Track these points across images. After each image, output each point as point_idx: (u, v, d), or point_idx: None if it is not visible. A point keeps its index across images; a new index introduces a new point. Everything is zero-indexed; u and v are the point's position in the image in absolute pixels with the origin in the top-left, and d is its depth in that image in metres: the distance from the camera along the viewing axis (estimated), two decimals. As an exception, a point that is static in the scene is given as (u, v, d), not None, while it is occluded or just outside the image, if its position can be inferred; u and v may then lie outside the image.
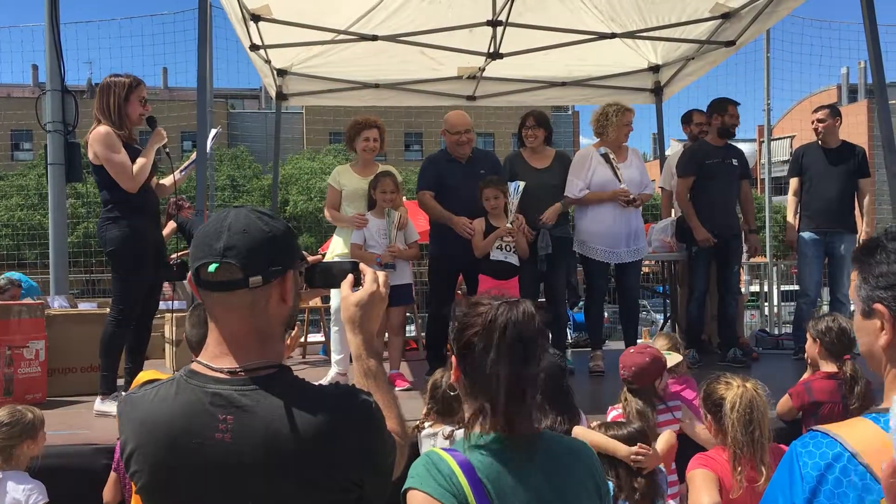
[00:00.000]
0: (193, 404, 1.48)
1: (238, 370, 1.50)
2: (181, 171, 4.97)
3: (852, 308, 7.28)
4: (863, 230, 6.51)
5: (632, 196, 5.80)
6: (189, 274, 1.58)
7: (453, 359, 1.73)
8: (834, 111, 6.65)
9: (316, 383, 1.60)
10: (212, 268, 1.48)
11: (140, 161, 4.58)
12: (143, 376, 3.34)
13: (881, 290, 1.32)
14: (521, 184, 5.38)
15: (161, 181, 5.02)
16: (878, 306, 1.33)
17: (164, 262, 4.96)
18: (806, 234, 6.53)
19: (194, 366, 1.56)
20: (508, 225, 5.37)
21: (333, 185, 5.78)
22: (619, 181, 5.81)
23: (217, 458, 1.44)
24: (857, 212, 6.64)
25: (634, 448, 3.24)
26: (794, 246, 6.80)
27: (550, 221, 5.75)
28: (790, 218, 6.79)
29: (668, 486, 3.49)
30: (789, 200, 6.84)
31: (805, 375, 4.10)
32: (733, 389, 2.95)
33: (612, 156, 5.84)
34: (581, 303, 6.68)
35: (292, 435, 1.42)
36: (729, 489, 2.87)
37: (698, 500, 2.85)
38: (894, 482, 0.76)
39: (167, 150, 4.81)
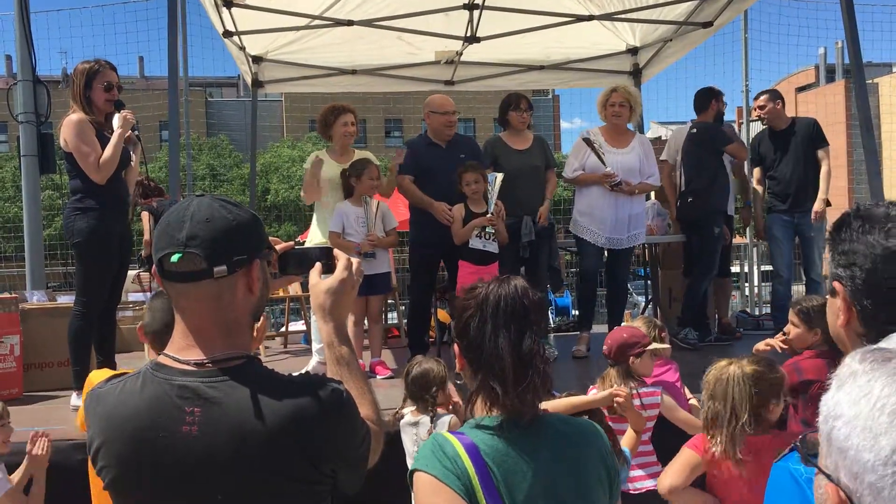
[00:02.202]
0: (160, 397, 1.45)
1: (205, 362, 1.47)
2: None
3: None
4: (819, 197, 6.52)
5: (618, 180, 5.80)
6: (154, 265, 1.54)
7: (456, 347, 1.74)
8: (774, 94, 6.70)
9: (296, 373, 1.57)
10: (174, 258, 1.45)
11: (107, 152, 4.49)
12: (94, 376, 3.26)
13: (841, 269, 1.29)
14: (499, 175, 5.35)
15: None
16: (836, 284, 1.29)
17: (128, 254, 4.89)
18: (774, 216, 6.60)
19: (161, 358, 1.52)
20: (489, 215, 5.32)
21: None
22: (604, 165, 5.82)
23: (185, 452, 1.41)
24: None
25: (610, 390, 3.32)
26: (763, 236, 6.95)
27: (546, 222, 5.86)
28: (757, 209, 6.85)
29: (648, 467, 3.51)
30: (757, 189, 6.90)
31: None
32: (720, 367, 2.93)
33: (592, 139, 5.88)
34: (564, 286, 6.70)
35: (260, 426, 1.40)
36: (720, 471, 2.88)
37: (664, 477, 2.95)
38: None
39: (137, 132, 4.72)
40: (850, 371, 0.74)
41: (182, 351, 1.49)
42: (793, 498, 1.23)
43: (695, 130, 6.52)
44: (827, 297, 1.38)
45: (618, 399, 3.30)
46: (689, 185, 6.54)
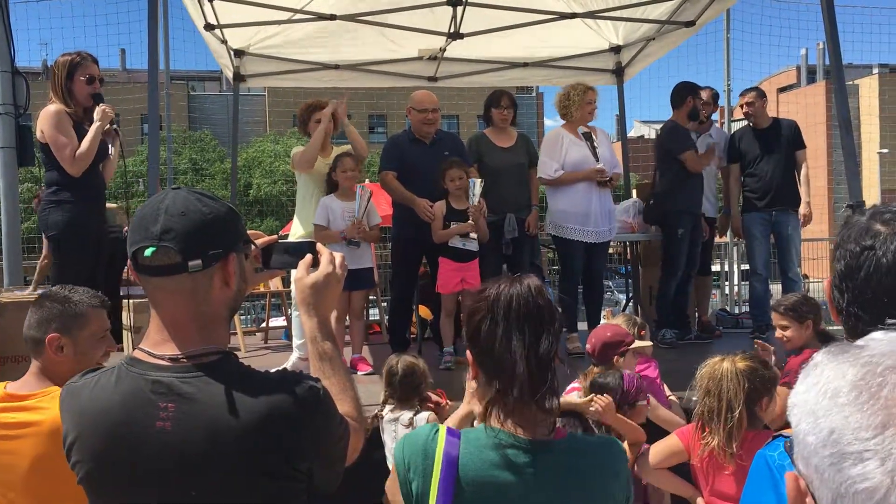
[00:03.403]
0: (134, 392, 1.44)
1: (180, 357, 1.46)
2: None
3: (803, 286, 7.40)
4: (804, 201, 6.61)
5: (609, 175, 5.83)
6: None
7: (469, 354, 1.65)
8: (760, 93, 6.77)
9: (274, 369, 1.56)
10: (148, 252, 1.43)
11: (83, 144, 4.45)
12: None
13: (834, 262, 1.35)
14: (478, 181, 5.33)
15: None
16: (826, 281, 1.37)
17: (109, 247, 4.84)
18: (752, 215, 6.64)
19: (136, 353, 1.51)
20: (470, 221, 5.31)
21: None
22: (597, 160, 5.82)
23: (158, 448, 1.40)
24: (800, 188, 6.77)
25: (590, 397, 3.24)
26: (740, 234, 6.96)
27: (535, 231, 5.89)
28: (734, 207, 6.87)
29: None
30: (731, 189, 6.90)
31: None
32: (714, 363, 2.95)
33: (590, 134, 5.88)
34: (546, 283, 6.69)
35: (235, 422, 1.39)
36: (696, 462, 2.93)
37: (644, 458, 3.06)
38: (801, 496, 0.74)
39: (115, 125, 4.67)
40: (813, 364, 0.76)
41: (157, 346, 1.48)
42: (765, 483, 1.26)
43: (660, 132, 6.55)
44: None
45: (596, 407, 3.17)
46: (653, 187, 6.60)
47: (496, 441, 1.54)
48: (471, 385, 1.75)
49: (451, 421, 2.02)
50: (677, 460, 3.01)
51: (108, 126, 4.56)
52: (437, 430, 1.58)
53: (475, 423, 1.72)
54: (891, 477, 0.66)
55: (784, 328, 3.93)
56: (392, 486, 1.62)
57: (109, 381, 1.47)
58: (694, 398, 3.00)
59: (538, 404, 1.54)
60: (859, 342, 0.74)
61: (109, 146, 4.71)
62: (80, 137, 4.47)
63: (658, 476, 3.09)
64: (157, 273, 1.46)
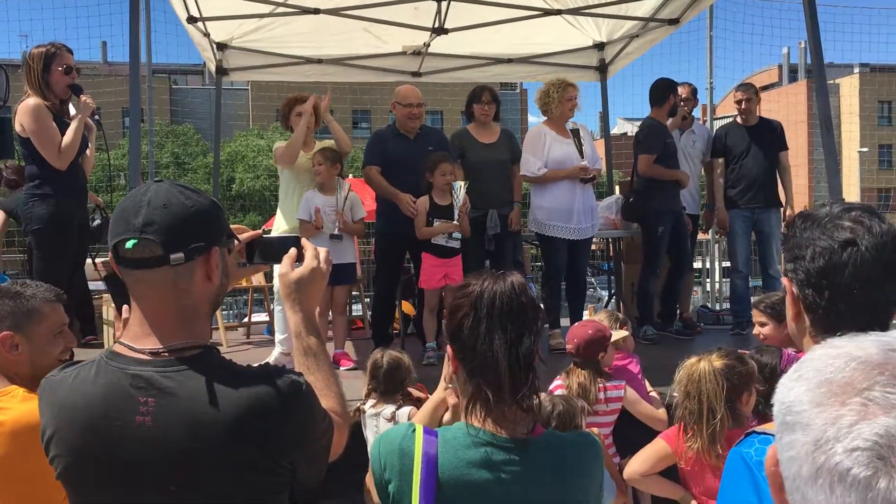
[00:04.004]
0: (113, 386, 1.42)
1: (161, 351, 1.44)
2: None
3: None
4: (786, 204, 6.68)
5: (592, 173, 5.84)
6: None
7: (449, 350, 1.65)
8: (755, 90, 6.84)
9: (256, 364, 1.55)
10: (129, 244, 1.42)
11: (67, 137, 4.41)
12: None
13: (788, 264, 1.36)
14: (462, 183, 5.31)
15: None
16: (784, 279, 1.37)
17: (86, 241, 4.80)
18: (734, 211, 6.69)
19: (116, 347, 1.50)
20: (456, 222, 5.29)
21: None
22: (582, 156, 5.82)
23: (138, 443, 1.38)
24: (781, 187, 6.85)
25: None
26: (726, 227, 6.95)
27: (517, 227, 5.88)
28: (719, 200, 6.90)
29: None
30: (715, 182, 6.93)
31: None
32: (690, 364, 2.92)
33: (578, 130, 5.87)
34: (528, 280, 6.69)
35: (216, 417, 1.37)
36: (685, 465, 2.92)
37: (632, 461, 3.02)
38: (776, 470, 0.76)
39: (98, 117, 4.63)
40: (804, 359, 0.77)
41: (137, 339, 1.47)
42: (743, 480, 1.27)
43: (638, 130, 6.57)
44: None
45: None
46: (632, 184, 6.62)
47: (476, 440, 1.53)
48: (446, 376, 1.74)
49: (425, 409, 2.00)
50: (666, 464, 2.97)
51: (87, 118, 4.53)
52: (414, 429, 1.57)
53: (446, 416, 1.72)
54: (807, 449, 0.69)
55: (762, 325, 3.96)
56: (371, 482, 1.62)
57: (89, 375, 1.45)
58: (675, 395, 3.00)
59: (519, 403, 1.53)
60: (872, 335, 0.76)
61: (87, 140, 4.67)
62: (61, 130, 4.43)
63: (648, 482, 3.03)
64: (139, 266, 1.44)
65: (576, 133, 5.91)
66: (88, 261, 5.43)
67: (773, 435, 1.24)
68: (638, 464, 2.99)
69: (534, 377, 1.57)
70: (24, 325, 2.23)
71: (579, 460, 1.58)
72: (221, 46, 7.24)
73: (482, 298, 1.57)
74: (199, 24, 6.41)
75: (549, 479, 1.53)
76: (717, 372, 2.82)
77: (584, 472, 1.58)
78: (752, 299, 5.45)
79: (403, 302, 6.51)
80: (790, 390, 0.74)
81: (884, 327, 1.32)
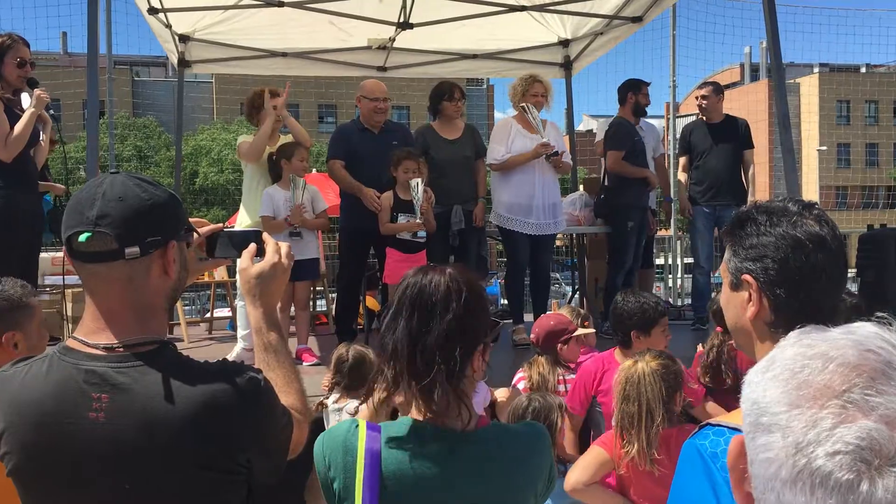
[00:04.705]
0: (66, 382, 1.39)
1: (115, 346, 1.42)
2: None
3: None
4: (750, 200, 6.77)
5: (555, 150, 5.83)
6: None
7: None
8: (717, 88, 6.89)
9: (215, 361, 1.53)
10: (83, 237, 1.39)
11: (17, 128, 4.32)
12: None
13: (750, 262, 1.35)
14: (419, 181, 5.30)
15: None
16: (747, 277, 1.35)
17: (39, 234, 4.71)
18: (696, 208, 6.78)
19: (69, 342, 1.47)
20: (417, 220, 5.29)
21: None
22: (542, 135, 5.82)
23: (91, 440, 1.36)
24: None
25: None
26: (687, 213, 7.04)
27: (482, 223, 5.89)
28: (683, 197, 7.00)
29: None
30: (680, 178, 7.08)
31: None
32: (627, 367, 2.88)
33: (528, 107, 5.86)
34: (491, 276, 6.73)
35: (171, 414, 1.36)
36: (622, 471, 2.85)
37: (571, 472, 2.86)
38: (737, 464, 0.78)
39: (51, 110, 4.55)
40: (776, 358, 0.78)
41: (91, 334, 1.44)
42: (698, 472, 1.27)
43: (608, 128, 6.64)
44: (725, 290, 1.43)
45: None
46: (604, 181, 6.68)
47: (418, 433, 1.53)
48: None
49: (370, 405, 1.99)
50: (605, 471, 2.89)
51: (42, 112, 4.44)
52: (357, 424, 1.57)
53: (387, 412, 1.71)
54: (786, 451, 0.69)
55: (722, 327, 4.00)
56: (314, 483, 1.60)
57: (41, 371, 1.43)
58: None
59: (456, 394, 1.52)
60: (840, 328, 0.77)
61: (41, 132, 4.58)
62: (12, 122, 4.34)
63: (588, 493, 2.89)
64: (93, 259, 1.42)
65: (543, 124, 5.92)
66: (44, 254, 5.33)
67: (727, 427, 1.27)
68: (579, 473, 2.86)
69: (439, 375, 1.52)
70: (21, 321, 2.27)
71: (524, 451, 1.59)
72: (184, 38, 7.14)
73: (406, 289, 1.58)
74: (161, 15, 6.32)
75: (493, 471, 1.53)
76: (655, 373, 2.80)
77: (530, 463, 1.58)
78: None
79: (368, 297, 6.49)
80: (765, 391, 0.74)
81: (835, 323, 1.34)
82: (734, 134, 6.78)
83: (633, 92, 6.49)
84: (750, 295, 1.35)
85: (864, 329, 0.74)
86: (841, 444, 0.66)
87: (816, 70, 45.91)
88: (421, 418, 1.56)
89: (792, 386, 0.72)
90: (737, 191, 6.72)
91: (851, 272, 9.41)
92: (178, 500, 1.41)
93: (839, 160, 46.07)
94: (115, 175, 1.48)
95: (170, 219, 1.49)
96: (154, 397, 1.36)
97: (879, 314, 0.79)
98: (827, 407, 0.69)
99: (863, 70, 48.84)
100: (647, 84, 6.66)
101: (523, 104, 5.79)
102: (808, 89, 44.91)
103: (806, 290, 1.31)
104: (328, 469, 1.55)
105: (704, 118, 6.87)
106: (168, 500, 1.40)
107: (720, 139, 6.73)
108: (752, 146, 6.86)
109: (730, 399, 3.55)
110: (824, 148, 41.89)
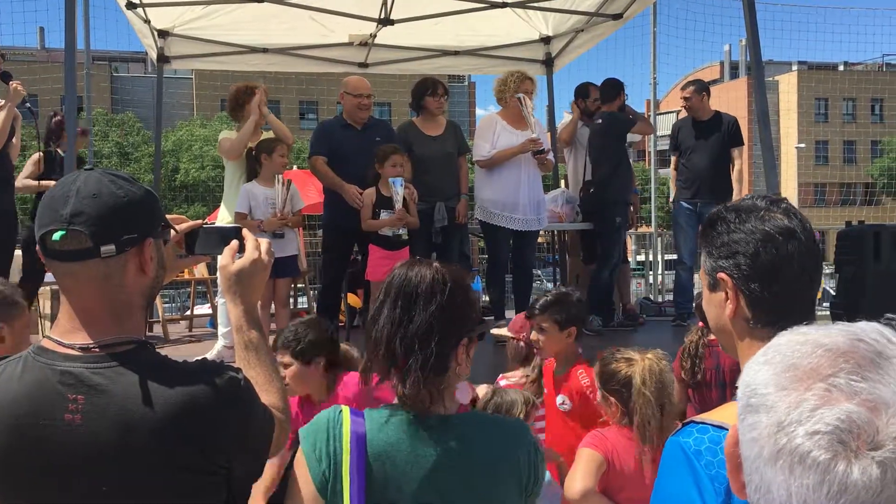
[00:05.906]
0: (41, 383, 1.36)
1: (91, 346, 1.39)
2: None
3: None
4: (735, 198, 6.82)
5: (543, 146, 5.84)
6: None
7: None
8: (699, 87, 6.93)
9: (196, 358, 1.51)
10: (57, 235, 1.36)
11: None
12: None
13: (723, 260, 1.36)
14: (399, 179, 5.28)
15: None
16: (722, 275, 1.36)
17: (14, 231, 4.65)
18: (679, 204, 6.83)
19: (45, 342, 1.44)
20: (398, 217, 5.27)
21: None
22: (532, 130, 5.83)
23: (67, 442, 1.33)
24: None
25: None
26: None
27: (465, 220, 5.90)
28: (674, 192, 7.09)
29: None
30: (671, 175, 7.22)
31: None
32: (637, 365, 2.76)
33: (524, 98, 5.86)
34: (473, 272, 6.73)
35: (149, 415, 1.33)
36: (620, 469, 2.68)
37: (571, 482, 2.64)
38: (734, 451, 0.78)
39: (28, 105, 4.49)
40: (771, 344, 0.80)
41: (67, 334, 1.41)
42: (682, 469, 1.27)
43: (600, 121, 6.65)
44: (705, 292, 1.43)
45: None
46: (593, 176, 6.69)
47: (398, 418, 1.56)
48: None
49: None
50: (602, 471, 2.69)
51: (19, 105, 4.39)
52: (341, 410, 1.58)
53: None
54: (769, 430, 0.71)
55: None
56: (298, 473, 1.58)
57: (15, 372, 1.39)
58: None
59: (434, 382, 1.55)
60: (841, 323, 0.78)
61: (14, 127, 4.53)
62: None
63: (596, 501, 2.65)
64: (67, 258, 1.39)
65: (521, 101, 5.92)
66: (18, 252, 5.26)
67: (711, 424, 1.27)
68: (582, 481, 2.61)
69: (416, 363, 1.54)
70: (9, 317, 2.28)
71: (503, 441, 1.60)
72: (163, 34, 7.07)
73: (392, 281, 1.62)
74: (140, 10, 6.25)
75: (475, 457, 1.56)
76: (663, 369, 2.78)
77: (509, 453, 1.59)
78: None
79: (349, 294, 6.47)
80: (756, 373, 0.75)
81: (812, 318, 1.35)
82: (720, 131, 6.82)
83: (623, 91, 6.61)
84: (727, 293, 1.35)
85: (863, 324, 0.76)
86: (821, 425, 0.68)
87: (795, 68, 46.28)
88: (401, 403, 1.58)
89: (781, 368, 0.73)
90: (721, 187, 6.73)
91: (830, 268, 9.52)
92: (156, 502, 1.38)
93: (817, 157, 46.48)
94: (90, 171, 1.45)
95: (146, 216, 1.47)
96: (131, 398, 1.34)
97: (889, 315, 0.80)
98: (812, 389, 0.70)
99: (841, 68, 49.30)
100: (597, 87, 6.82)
101: (519, 95, 5.79)
102: (787, 87, 45.29)
103: (780, 282, 1.32)
104: (319, 460, 1.54)
105: (692, 116, 6.91)
106: (146, 503, 1.38)
107: (704, 136, 6.78)
108: (740, 143, 6.88)
109: (703, 393, 3.57)
110: (803, 145, 42.25)
